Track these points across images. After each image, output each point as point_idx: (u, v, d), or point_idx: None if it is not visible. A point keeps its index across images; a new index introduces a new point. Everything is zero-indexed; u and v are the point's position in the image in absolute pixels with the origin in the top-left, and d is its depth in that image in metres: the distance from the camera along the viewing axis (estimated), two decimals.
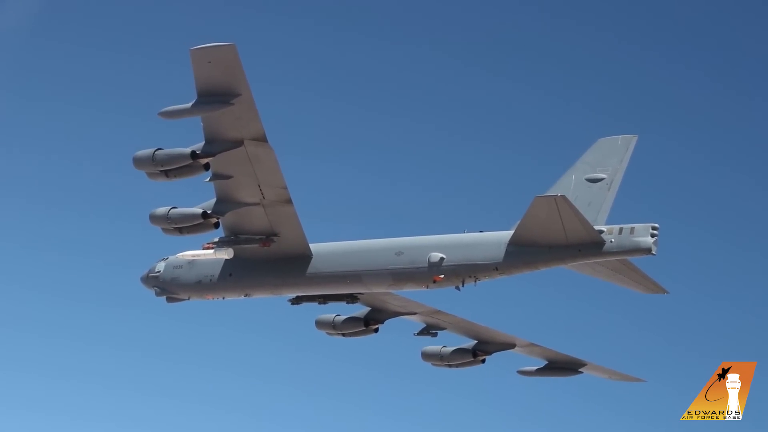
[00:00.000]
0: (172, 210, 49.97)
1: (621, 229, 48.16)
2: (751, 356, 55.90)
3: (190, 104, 45.13)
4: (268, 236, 51.73)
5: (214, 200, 50.14)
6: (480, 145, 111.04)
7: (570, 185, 50.65)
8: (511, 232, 49.46)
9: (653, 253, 47.73)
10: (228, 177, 48.53)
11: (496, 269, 49.93)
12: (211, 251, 52.23)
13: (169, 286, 55.93)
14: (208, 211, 49.89)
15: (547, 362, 62.21)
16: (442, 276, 50.59)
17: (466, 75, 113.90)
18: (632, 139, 51.41)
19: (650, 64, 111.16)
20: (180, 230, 50.24)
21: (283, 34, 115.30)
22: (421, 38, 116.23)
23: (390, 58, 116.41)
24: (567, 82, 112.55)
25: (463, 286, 50.97)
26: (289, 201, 50.24)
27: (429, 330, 59.79)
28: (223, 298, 55.54)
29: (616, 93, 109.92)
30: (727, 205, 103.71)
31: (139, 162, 47.20)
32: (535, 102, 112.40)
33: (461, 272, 50.44)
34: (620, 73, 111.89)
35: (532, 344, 60.91)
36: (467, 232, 51.84)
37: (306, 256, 52.89)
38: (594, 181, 50.65)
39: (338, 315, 58.74)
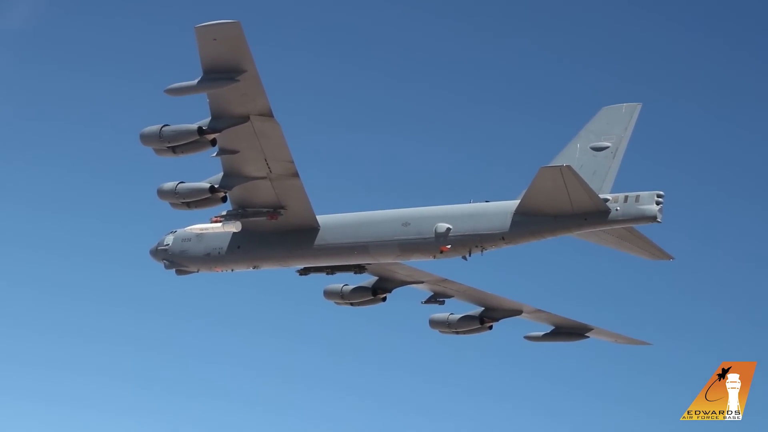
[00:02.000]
0: (179, 185, 50.30)
1: (626, 198, 48.29)
2: (751, 356, 56.44)
3: (196, 81, 45.30)
4: (276, 209, 51.97)
5: (221, 174, 50.39)
6: (484, 114, 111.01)
7: (575, 154, 50.68)
8: (516, 202, 49.69)
9: (658, 220, 47.90)
10: (235, 152, 48.75)
11: (503, 239, 50.19)
12: (219, 224, 52.42)
13: (178, 259, 56.40)
14: (216, 186, 50.20)
15: (553, 327, 62.41)
16: (449, 246, 50.82)
17: (470, 43, 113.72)
18: (636, 107, 51.35)
19: (654, 30, 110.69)
20: (188, 204, 50.62)
21: (288, 6, 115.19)
22: (425, 6, 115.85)
23: (395, 27, 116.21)
24: (571, 50, 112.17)
25: (469, 255, 51.26)
26: (295, 174, 50.44)
27: (436, 298, 59.94)
28: (232, 270, 55.96)
29: (620, 61, 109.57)
30: (731, 172, 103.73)
31: (146, 138, 47.49)
32: (539, 70, 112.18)
33: (468, 242, 50.68)
34: (624, 41, 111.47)
35: (539, 310, 61.14)
36: (473, 203, 52.03)
37: (313, 228, 53.19)
38: (599, 149, 50.63)
39: (346, 285, 59.13)
